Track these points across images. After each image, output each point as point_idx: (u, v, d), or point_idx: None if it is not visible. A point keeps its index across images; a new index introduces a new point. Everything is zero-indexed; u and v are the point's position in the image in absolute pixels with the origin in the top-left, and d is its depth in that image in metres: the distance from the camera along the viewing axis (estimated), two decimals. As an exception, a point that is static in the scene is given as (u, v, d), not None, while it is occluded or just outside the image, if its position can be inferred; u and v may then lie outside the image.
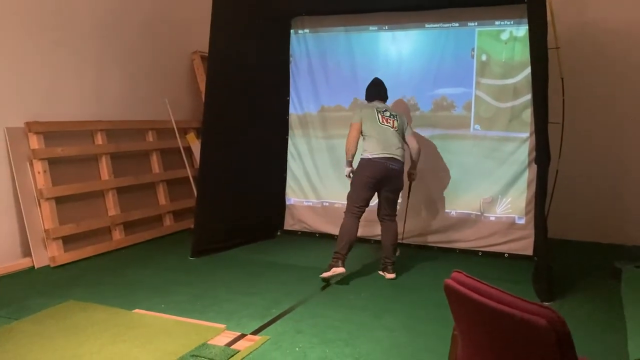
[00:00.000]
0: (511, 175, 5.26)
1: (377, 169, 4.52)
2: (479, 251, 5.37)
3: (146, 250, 5.48)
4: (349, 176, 4.75)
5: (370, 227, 5.73)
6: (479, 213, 5.40)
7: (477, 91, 5.34)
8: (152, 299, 4.07)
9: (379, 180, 4.55)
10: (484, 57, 5.29)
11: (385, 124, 4.63)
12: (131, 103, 5.98)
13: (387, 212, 4.72)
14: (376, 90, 4.87)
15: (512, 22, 5.16)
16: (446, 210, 5.52)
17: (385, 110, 4.72)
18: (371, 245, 5.63)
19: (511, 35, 5.18)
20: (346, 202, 4.68)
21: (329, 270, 4.42)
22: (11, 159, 4.73)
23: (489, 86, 5.29)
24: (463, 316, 2.01)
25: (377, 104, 4.78)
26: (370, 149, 4.57)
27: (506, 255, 5.26)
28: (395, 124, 4.66)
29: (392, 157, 4.54)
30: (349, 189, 5.85)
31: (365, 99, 4.92)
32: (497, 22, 5.23)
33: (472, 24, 5.31)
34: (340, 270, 4.42)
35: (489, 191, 5.35)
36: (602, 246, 5.68)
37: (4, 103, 4.70)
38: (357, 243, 5.66)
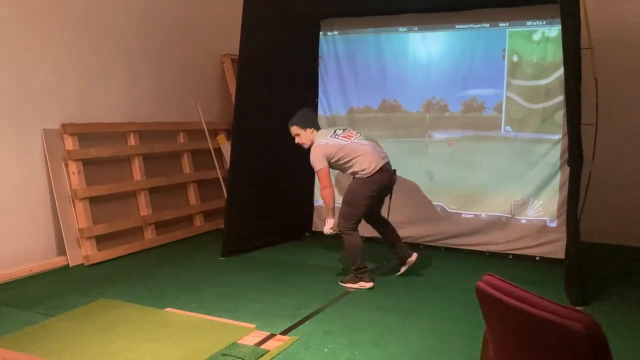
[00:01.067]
0: (543, 177, 5.18)
1: (384, 180, 4.40)
2: (509, 254, 5.30)
3: (177, 249, 5.56)
4: (331, 231, 4.49)
5: (398, 228, 5.71)
6: (510, 215, 5.33)
7: (508, 92, 5.28)
8: (182, 297, 4.12)
9: (383, 190, 4.49)
10: (515, 58, 5.23)
11: (354, 137, 4.48)
12: (163, 105, 6.07)
13: (379, 212, 4.71)
14: (312, 117, 4.78)
15: (544, 23, 5.09)
16: (476, 213, 5.47)
17: (336, 130, 4.59)
18: (400, 247, 5.61)
19: (543, 36, 5.11)
20: (346, 221, 4.37)
21: (354, 282, 4.42)
22: (47, 159, 4.85)
23: (521, 87, 5.23)
24: (495, 319, 1.99)
25: (324, 131, 4.63)
26: (368, 166, 4.35)
27: (537, 258, 5.18)
28: (354, 131, 4.61)
29: (389, 162, 4.51)
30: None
31: (307, 127, 4.59)
32: (528, 23, 5.16)
33: (503, 24, 5.26)
34: (369, 285, 4.40)
35: (520, 193, 5.28)
36: (637, 250, 5.56)
37: (41, 105, 4.82)
38: (384, 245, 5.69)
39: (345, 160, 4.40)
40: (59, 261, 4.91)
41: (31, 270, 4.67)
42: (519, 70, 5.22)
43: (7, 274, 4.50)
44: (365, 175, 4.35)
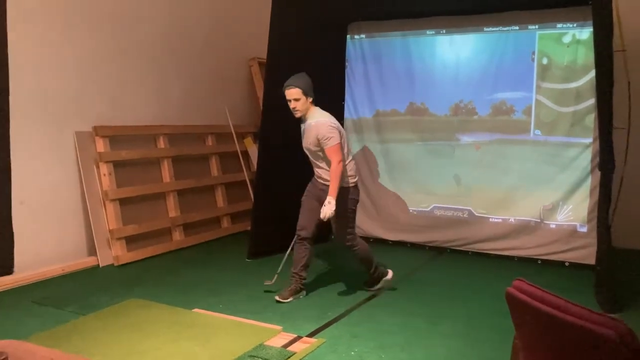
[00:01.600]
0: (573, 181, 5.10)
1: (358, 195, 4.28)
2: (538, 259, 5.23)
3: (205, 251, 5.61)
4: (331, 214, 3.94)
5: (425, 232, 5.69)
6: (539, 220, 5.26)
7: (537, 95, 5.21)
8: (210, 298, 4.17)
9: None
10: (545, 61, 5.17)
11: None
12: (191, 108, 6.15)
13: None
14: (312, 85, 4.25)
15: (575, 25, 5.02)
16: (504, 217, 5.41)
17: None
18: (426, 252, 5.59)
19: (574, 38, 5.03)
20: (348, 234, 4.18)
21: (380, 284, 4.40)
22: (79, 161, 4.95)
23: (551, 90, 5.16)
24: (525, 325, 1.98)
25: (322, 111, 4.25)
26: (354, 174, 4.21)
27: (567, 264, 5.10)
28: None
29: None
30: (404, 193, 5.86)
31: (309, 96, 4.19)
32: (559, 25, 5.09)
33: (533, 27, 5.20)
34: (390, 274, 4.43)
35: (549, 198, 5.20)
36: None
37: (74, 108, 4.93)
38: (411, 249, 5.68)
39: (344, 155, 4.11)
40: (90, 261, 5.01)
41: (63, 270, 4.77)
42: (549, 73, 5.16)
43: (40, 273, 4.60)
44: (352, 184, 4.17)
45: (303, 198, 4.32)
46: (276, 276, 4.36)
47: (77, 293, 4.28)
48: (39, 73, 4.63)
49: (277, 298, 4.13)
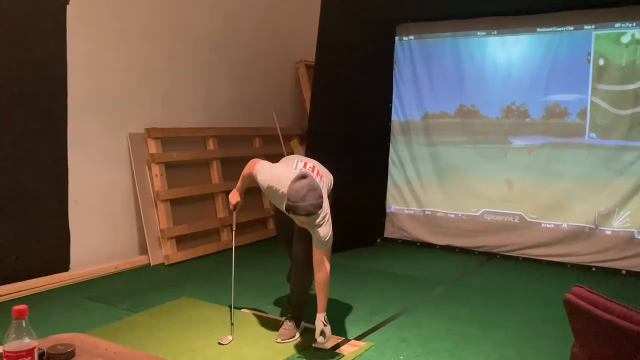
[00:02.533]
0: (630, 186, 4.92)
1: None
2: (592, 266, 5.07)
3: (251, 251, 5.67)
4: None
5: (474, 237, 5.60)
6: (594, 226, 5.10)
7: (593, 97, 5.06)
8: (258, 299, 4.20)
9: None
10: (601, 62, 5.01)
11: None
12: (239, 110, 6.23)
13: None
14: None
15: (634, 24, 4.84)
16: (557, 223, 5.26)
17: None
18: (475, 257, 5.50)
19: (633, 38, 4.86)
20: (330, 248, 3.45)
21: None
22: (132, 162, 5.08)
23: (607, 92, 4.99)
24: (585, 333, 1.91)
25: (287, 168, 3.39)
26: None
27: (623, 272, 4.92)
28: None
29: None
30: (453, 196, 5.78)
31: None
32: (617, 25, 4.93)
33: (589, 27, 5.05)
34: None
35: (605, 203, 5.03)
36: None
37: (128, 110, 5.06)
38: (459, 254, 5.60)
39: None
40: (141, 260, 5.13)
41: (115, 268, 4.90)
42: (606, 74, 4.99)
43: (94, 270, 4.74)
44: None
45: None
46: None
47: (130, 291, 4.39)
48: (94, 76, 4.78)
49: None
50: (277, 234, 4.08)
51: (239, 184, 3.68)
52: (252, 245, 5.89)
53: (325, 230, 3.23)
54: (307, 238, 3.35)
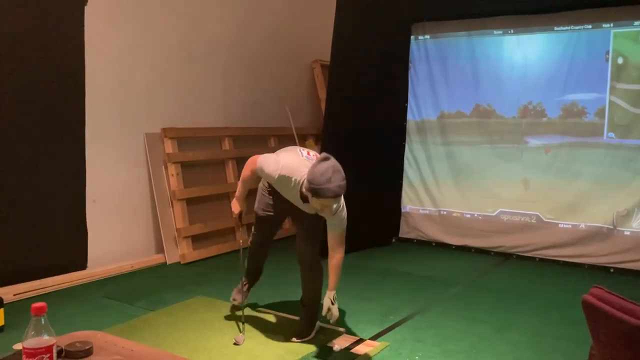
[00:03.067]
0: (650, 187, 4.87)
1: None
2: (610, 267, 5.01)
3: (267, 251, 5.67)
4: None
5: (490, 237, 5.57)
6: (612, 227, 5.04)
7: (611, 96, 5.00)
8: (273, 298, 4.21)
9: None
10: (620, 60, 4.95)
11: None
12: (255, 110, 6.25)
13: None
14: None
15: (653, 22, 4.79)
16: (574, 223, 5.21)
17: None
18: (491, 257, 5.46)
19: (653, 36, 4.80)
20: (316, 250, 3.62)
21: (316, 328, 3.52)
22: (149, 162, 5.12)
23: (626, 91, 4.93)
24: (604, 335, 1.89)
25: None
26: None
27: (643, 273, 4.87)
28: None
29: None
30: (469, 196, 5.75)
31: None
32: (636, 23, 4.87)
33: (607, 25, 4.99)
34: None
35: (623, 203, 4.97)
36: None
37: (144, 111, 5.10)
38: (475, 254, 5.56)
39: None
40: (157, 259, 5.16)
41: (132, 267, 4.94)
42: (625, 73, 4.93)
43: (111, 269, 4.78)
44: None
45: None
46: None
47: (146, 289, 4.42)
48: (112, 76, 4.82)
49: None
50: (250, 255, 3.78)
51: (239, 190, 3.56)
52: (267, 245, 5.89)
53: (343, 212, 3.29)
54: (312, 239, 3.47)
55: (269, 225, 3.70)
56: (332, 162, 3.01)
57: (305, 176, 3.03)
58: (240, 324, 3.56)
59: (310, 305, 3.52)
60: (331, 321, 3.22)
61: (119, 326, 3.60)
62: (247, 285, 3.87)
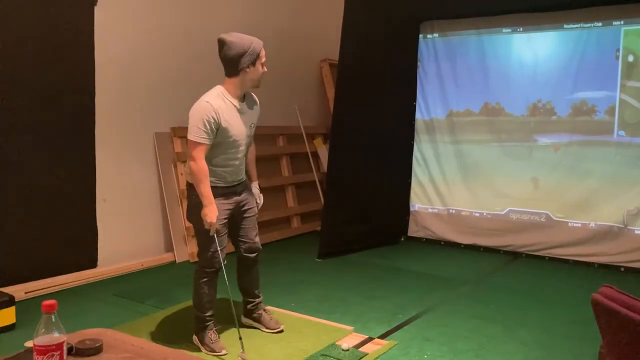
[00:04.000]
0: (661, 185, 4.83)
1: None
2: (621, 266, 4.98)
3: (276, 250, 5.70)
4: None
5: (499, 236, 5.55)
6: (622, 225, 5.00)
7: (622, 95, 4.97)
8: (282, 297, 4.23)
9: None
10: (630, 58, 4.91)
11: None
12: (263, 109, 6.19)
13: None
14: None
15: (664, 19, 4.75)
16: (584, 222, 5.18)
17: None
18: (501, 256, 5.44)
19: (664, 34, 4.77)
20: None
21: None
22: (158, 161, 5.15)
23: (637, 89, 4.90)
24: (614, 334, 1.89)
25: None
26: None
27: (653, 272, 4.84)
28: None
29: None
30: (478, 195, 5.74)
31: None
32: (646, 20, 4.84)
33: (618, 22, 4.95)
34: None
35: (634, 202, 4.94)
36: None
37: (154, 110, 5.13)
38: (484, 253, 5.55)
39: None
40: (167, 257, 5.19)
41: (142, 265, 4.97)
42: (635, 71, 4.90)
43: (120, 267, 4.82)
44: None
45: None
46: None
47: (156, 287, 4.45)
48: (121, 76, 4.85)
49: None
50: (205, 260, 3.30)
51: (206, 191, 3.09)
52: (275, 244, 5.91)
53: None
54: (256, 227, 3.52)
55: (225, 234, 3.32)
56: (230, 34, 3.26)
57: (222, 85, 3.29)
58: (239, 340, 3.17)
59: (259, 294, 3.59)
60: (259, 206, 3.47)
61: (129, 324, 3.62)
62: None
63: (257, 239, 3.52)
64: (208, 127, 3.10)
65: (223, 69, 3.33)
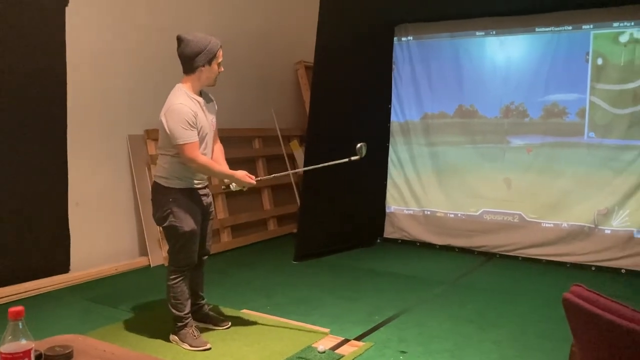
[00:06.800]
0: (630, 185, 4.93)
1: None
2: (592, 265, 5.07)
3: (251, 252, 5.67)
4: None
5: (473, 237, 5.61)
6: (593, 225, 5.10)
7: (591, 97, 5.06)
8: (258, 299, 4.21)
9: None
10: (600, 61, 5.01)
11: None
12: (239, 112, 6.23)
13: None
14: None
15: (632, 24, 4.85)
16: (556, 222, 5.26)
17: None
18: (475, 257, 5.50)
19: (631, 37, 4.87)
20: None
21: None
22: (132, 164, 5.09)
23: (606, 91, 5.00)
24: (584, 332, 1.91)
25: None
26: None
27: (623, 271, 4.93)
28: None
29: None
30: (452, 196, 5.79)
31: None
32: (615, 24, 4.93)
33: (587, 26, 5.05)
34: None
35: (604, 202, 5.04)
36: None
37: (127, 113, 5.06)
38: (459, 254, 5.60)
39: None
40: (141, 261, 5.13)
41: (116, 270, 4.90)
42: (604, 73, 5.00)
43: (94, 272, 4.74)
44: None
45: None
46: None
47: (130, 292, 4.39)
48: (94, 78, 4.78)
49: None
50: (184, 260, 3.35)
51: (221, 170, 3.37)
52: (251, 247, 5.89)
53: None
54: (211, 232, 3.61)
55: (198, 236, 3.38)
56: (186, 34, 3.25)
57: (182, 83, 3.29)
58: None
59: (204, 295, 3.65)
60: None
61: (102, 329, 3.57)
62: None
63: (210, 242, 3.64)
64: (191, 125, 3.15)
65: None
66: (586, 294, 1.87)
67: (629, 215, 4.95)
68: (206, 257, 3.62)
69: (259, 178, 3.46)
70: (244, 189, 3.47)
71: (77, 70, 4.59)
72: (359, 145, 3.53)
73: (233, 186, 3.45)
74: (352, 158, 3.44)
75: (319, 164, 5.39)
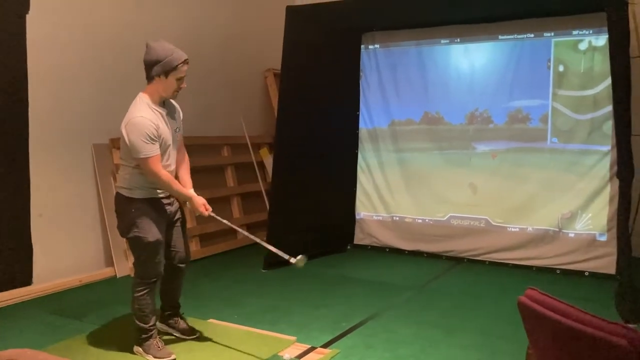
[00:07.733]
0: (592, 189, 5.04)
1: None
2: (557, 269, 5.16)
3: (220, 261, 5.63)
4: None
5: (441, 242, 5.66)
6: (557, 229, 5.19)
7: (554, 103, 5.17)
8: (225, 309, 4.18)
9: None
10: (561, 68, 5.12)
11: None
12: (207, 119, 6.19)
13: None
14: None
15: (591, 32, 4.98)
16: (522, 226, 5.35)
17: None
18: (443, 262, 5.55)
19: (590, 45, 4.99)
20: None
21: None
22: (97, 173, 5.02)
23: (567, 97, 5.11)
24: (538, 335, 1.95)
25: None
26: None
27: (587, 273, 5.02)
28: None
29: None
30: (420, 202, 5.84)
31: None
32: (574, 32, 5.06)
33: (548, 34, 5.16)
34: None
35: (567, 206, 5.14)
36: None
37: (92, 122, 4.99)
38: (427, 259, 5.64)
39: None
40: (107, 272, 5.05)
41: (80, 281, 4.82)
42: (565, 80, 5.11)
43: (57, 284, 4.65)
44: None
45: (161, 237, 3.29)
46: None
47: (95, 304, 4.32)
48: (56, 87, 4.71)
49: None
50: (150, 271, 3.31)
51: (178, 187, 3.29)
52: (219, 256, 5.84)
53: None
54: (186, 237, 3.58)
55: (163, 245, 3.34)
56: (155, 42, 3.19)
57: (144, 92, 3.25)
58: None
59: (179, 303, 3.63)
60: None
61: (65, 342, 3.51)
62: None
63: (188, 248, 3.56)
64: (152, 138, 3.11)
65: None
66: (540, 297, 1.91)
67: (591, 219, 5.06)
68: (184, 265, 3.53)
69: (213, 214, 3.43)
70: (197, 214, 3.46)
71: (38, 78, 4.51)
72: (300, 256, 3.42)
73: (188, 205, 3.43)
74: (291, 260, 3.40)
75: (286, 171, 5.41)
